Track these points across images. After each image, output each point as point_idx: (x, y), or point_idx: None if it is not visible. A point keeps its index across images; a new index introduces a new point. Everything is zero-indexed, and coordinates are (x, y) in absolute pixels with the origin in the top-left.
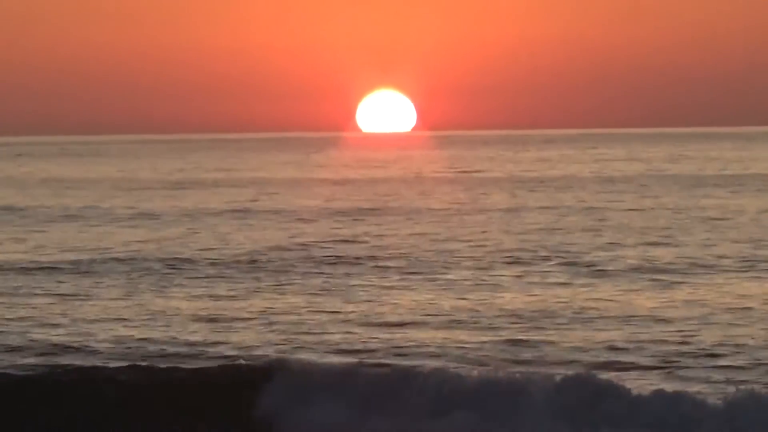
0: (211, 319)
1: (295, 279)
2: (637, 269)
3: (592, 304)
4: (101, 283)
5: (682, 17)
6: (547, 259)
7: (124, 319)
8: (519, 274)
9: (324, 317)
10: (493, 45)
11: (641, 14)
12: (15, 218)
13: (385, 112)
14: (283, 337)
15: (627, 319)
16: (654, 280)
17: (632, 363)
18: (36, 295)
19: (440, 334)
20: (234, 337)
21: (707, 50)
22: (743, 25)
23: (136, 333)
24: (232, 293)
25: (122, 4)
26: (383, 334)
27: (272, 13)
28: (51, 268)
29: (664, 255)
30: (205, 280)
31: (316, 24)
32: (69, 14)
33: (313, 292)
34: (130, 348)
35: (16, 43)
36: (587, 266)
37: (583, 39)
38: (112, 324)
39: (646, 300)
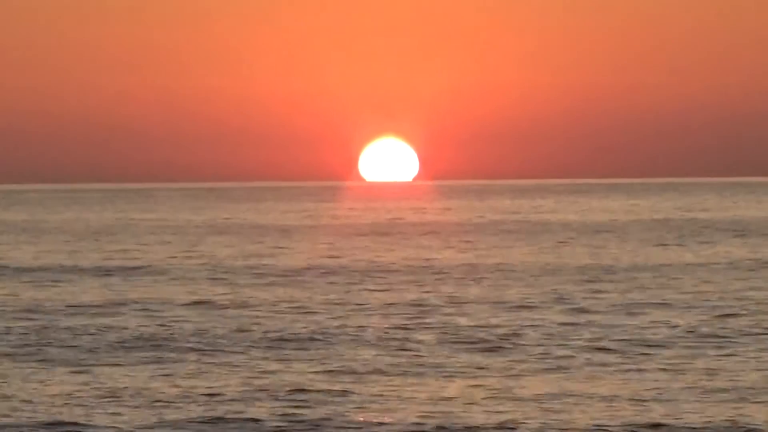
0: None
1: None
2: None
3: None
4: None
5: (692, 63)
6: None
7: None
8: None
9: None
10: (496, 94)
11: (649, 61)
12: None
13: (388, 160)
14: None
15: None
16: None
17: None
18: None
19: None
20: None
21: (720, 97)
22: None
23: None
24: None
25: (123, 50)
26: None
27: (273, 62)
28: None
29: None
30: None
31: (318, 72)
32: (76, 60)
33: None
34: None
35: (24, 90)
36: None
37: (587, 87)
38: None
39: None
